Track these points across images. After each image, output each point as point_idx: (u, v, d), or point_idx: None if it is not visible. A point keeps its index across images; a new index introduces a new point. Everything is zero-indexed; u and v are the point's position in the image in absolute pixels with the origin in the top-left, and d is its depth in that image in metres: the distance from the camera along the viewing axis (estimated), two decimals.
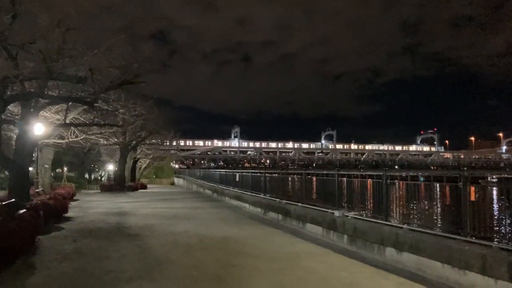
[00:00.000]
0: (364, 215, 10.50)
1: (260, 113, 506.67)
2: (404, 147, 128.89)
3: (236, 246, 10.50)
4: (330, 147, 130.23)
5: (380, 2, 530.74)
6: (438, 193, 8.87)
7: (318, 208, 12.46)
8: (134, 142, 38.73)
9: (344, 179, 11.97)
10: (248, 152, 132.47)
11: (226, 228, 13.88)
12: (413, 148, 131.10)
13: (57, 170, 43.02)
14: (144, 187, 42.61)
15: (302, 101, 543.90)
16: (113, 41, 13.43)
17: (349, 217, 10.61)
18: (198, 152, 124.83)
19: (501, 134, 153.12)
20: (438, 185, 8.89)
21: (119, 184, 37.42)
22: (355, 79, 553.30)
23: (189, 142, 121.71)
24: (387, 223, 9.22)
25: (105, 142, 33.06)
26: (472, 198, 7.69)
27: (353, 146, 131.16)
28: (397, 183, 9.92)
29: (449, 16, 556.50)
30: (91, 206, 22.04)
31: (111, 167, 47.80)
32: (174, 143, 64.97)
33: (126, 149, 38.66)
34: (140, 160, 51.78)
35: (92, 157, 45.26)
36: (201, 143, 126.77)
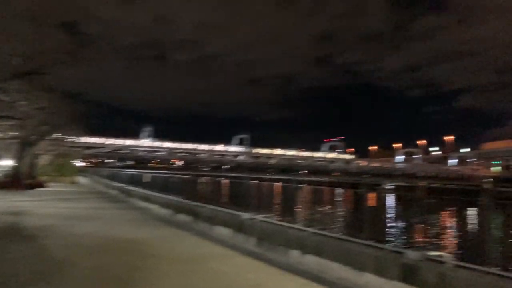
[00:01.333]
0: (272, 218, 10.76)
1: (175, 112, 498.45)
2: (312, 153, 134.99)
3: (143, 248, 10.19)
4: (243, 150, 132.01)
5: (300, 12, 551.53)
6: (340, 198, 9.41)
7: (227, 211, 12.53)
8: (34, 136, 35.76)
9: (254, 182, 12.19)
10: (160, 152, 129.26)
11: (132, 229, 13.39)
12: (320, 154, 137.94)
13: None
14: (43, 185, 39.57)
15: (219, 103, 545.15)
16: (16, 26, 12.33)
17: (257, 220, 10.80)
18: (107, 150, 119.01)
19: (395, 145, 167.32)
20: (340, 190, 9.44)
21: (16, 182, 34.32)
22: (272, 84, 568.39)
23: (98, 139, 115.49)
24: (293, 226, 9.54)
25: (1, 135, 30.14)
26: (371, 203, 8.27)
27: (264, 150, 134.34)
28: (304, 188, 10.33)
29: (359, 32, 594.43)
30: None
31: (7, 163, 43.65)
32: (81, 140, 61.24)
33: (25, 144, 35.61)
34: (41, 156, 48.03)
35: None
36: (111, 140, 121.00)
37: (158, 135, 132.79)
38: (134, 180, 26.36)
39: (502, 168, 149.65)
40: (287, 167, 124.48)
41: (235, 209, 12.19)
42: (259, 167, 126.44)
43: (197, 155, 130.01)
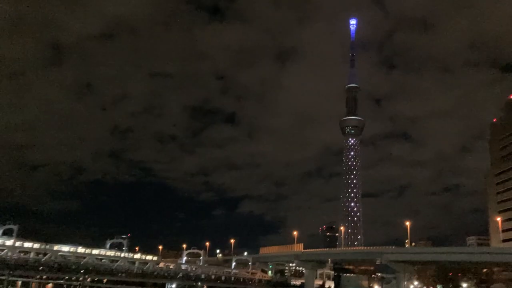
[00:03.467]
0: None
1: None
2: (93, 250, 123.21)
3: None
4: (7, 244, 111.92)
5: (94, 104, 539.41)
6: None
7: None
8: None
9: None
10: None
11: None
12: (102, 252, 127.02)
13: None
14: None
15: None
16: None
17: None
18: None
19: (184, 245, 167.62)
20: None
21: None
22: (55, 172, 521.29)
23: None
24: None
25: None
26: None
27: (36, 245, 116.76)
28: None
29: (156, 132, 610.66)
30: None
31: None
32: None
33: None
34: None
35: None
36: None
37: None
38: None
39: (272, 272, 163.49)
40: (62, 265, 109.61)
41: None
42: (27, 264, 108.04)
43: None
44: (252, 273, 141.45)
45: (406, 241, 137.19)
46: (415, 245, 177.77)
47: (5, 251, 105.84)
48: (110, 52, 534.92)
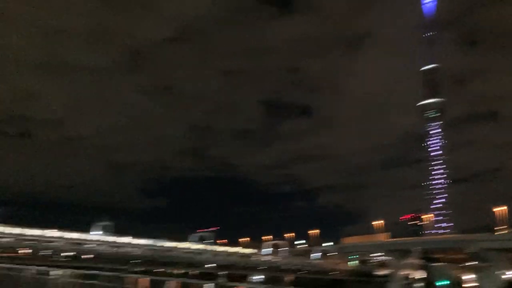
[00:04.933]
0: None
1: (30, 195, 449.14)
2: (177, 244, 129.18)
3: None
4: (103, 239, 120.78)
5: (173, 105, 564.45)
6: None
7: None
8: None
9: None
10: (8, 239, 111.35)
11: None
12: (193, 245, 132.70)
13: None
14: None
15: (82, 187, 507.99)
16: None
17: None
18: None
19: (264, 237, 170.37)
20: None
21: None
22: (141, 171, 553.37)
23: None
24: None
25: None
26: None
27: (126, 239, 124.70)
28: None
29: (232, 128, 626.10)
30: None
31: None
32: None
33: None
34: None
35: None
36: None
37: (9, 219, 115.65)
38: None
39: (354, 262, 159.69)
40: (151, 258, 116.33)
41: None
42: (120, 258, 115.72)
43: (49, 243, 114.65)
44: (335, 264, 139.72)
45: (499, 227, 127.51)
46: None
47: (102, 246, 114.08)
48: (182, 54, 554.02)
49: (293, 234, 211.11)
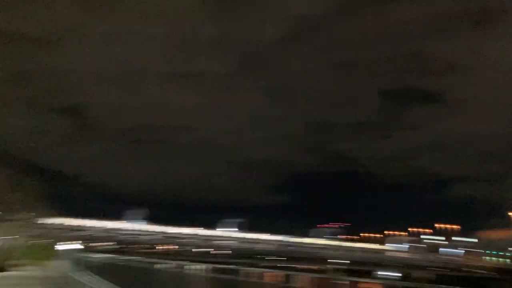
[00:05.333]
0: None
1: (167, 196, 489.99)
2: (301, 239, 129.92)
3: None
4: (234, 235, 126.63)
5: (290, 102, 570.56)
6: None
7: None
8: None
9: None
10: (145, 236, 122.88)
11: None
12: (310, 240, 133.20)
13: None
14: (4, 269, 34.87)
15: (212, 187, 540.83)
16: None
17: None
18: (89, 233, 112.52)
19: (387, 232, 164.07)
20: None
21: None
22: (264, 169, 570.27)
23: (80, 221, 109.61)
24: None
25: None
26: None
27: (252, 235, 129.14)
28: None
29: (351, 121, 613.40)
30: None
31: None
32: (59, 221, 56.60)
33: None
34: (14, 237, 43.38)
35: None
36: (95, 223, 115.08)
37: (149, 219, 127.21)
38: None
39: (504, 260, 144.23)
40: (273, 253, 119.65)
41: None
42: (246, 252, 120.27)
43: (191, 239, 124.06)
44: (472, 260, 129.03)
45: None
46: None
47: (233, 242, 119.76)
48: (295, 52, 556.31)
49: (422, 228, 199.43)
